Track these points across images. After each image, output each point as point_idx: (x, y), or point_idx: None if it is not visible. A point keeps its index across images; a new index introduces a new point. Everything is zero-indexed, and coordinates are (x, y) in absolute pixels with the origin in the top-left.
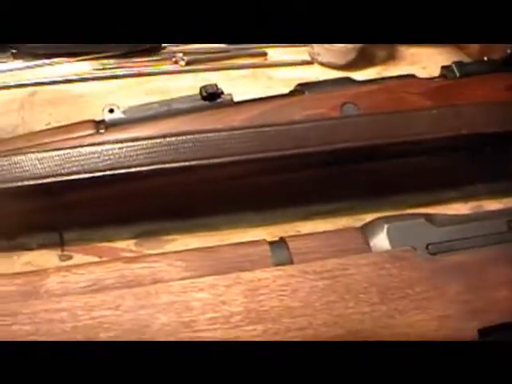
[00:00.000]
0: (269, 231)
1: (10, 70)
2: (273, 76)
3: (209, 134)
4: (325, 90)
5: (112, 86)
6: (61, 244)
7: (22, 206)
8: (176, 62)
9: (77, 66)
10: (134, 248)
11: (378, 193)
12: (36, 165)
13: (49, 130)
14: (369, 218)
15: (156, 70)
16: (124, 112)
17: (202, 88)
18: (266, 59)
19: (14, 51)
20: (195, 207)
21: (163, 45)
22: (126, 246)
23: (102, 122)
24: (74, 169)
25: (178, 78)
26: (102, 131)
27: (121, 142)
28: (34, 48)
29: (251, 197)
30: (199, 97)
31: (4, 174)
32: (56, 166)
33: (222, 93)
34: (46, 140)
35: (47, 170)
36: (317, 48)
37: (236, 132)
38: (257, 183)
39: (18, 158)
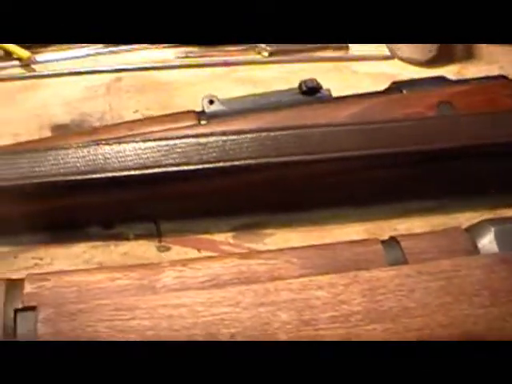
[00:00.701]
0: (365, 227)
1: (92, 55)
2: (356, 70)
3: (311, 130)
4: (421, 89)
5: (198, 75)
6: (158, 235)
7: (121, 196)
8: (259, 53)
9: (159, 53)
10: (232, 241)
11: (471, 192)
12: (140, 154)
13: (148, 119)
14: (463, 216)
15: (241, 60)
16: (223, 103)
17: (302, 82)
18: (347, 52)
19: None
20: (294, 201)
21: None
22: (225, 238)
23: (203, 113)
24: (179, 160)
25: (262, 68)
26: (203, 122)
27: (225, 134)
28: None
29: (349, 193)
30: (298, 91)
31: (109, 162)
32: (161, 156)
33: (321, 87)
34: (147, 129)
35: (151, 160)
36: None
37: (337, 128)
38: (355, 179)
39: (121, 146)
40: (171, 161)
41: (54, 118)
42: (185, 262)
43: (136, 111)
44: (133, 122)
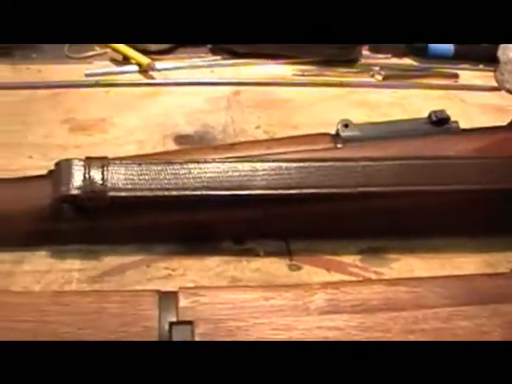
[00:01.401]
0: (483, 258)
1: (210, 66)
2: (464, 99)
3: (442, 161)
4: None
5: (314, 94)
6: (288, 253)
7: (255, 213)
8: (372, 76)
9: (276, 69)
10: (359, 264)
11: None
12: (280, 174)
13: (285, 138)
14: None
15: (355, 82)
16: (357, 128)
17: (432, 113)
18: (456, 81)
19: (210, 46)
20: (418, 228)
21: (359, 57)
22: (352, 261)
23: (338, 136)
24: (318, 183)
25: (376, 92)
26: (339, 146)
27: (364, 160)
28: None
29: (468, 223)
30: (427, 120)
31: (248, 180)
32: (300, 177)
33: (450, 119)
34: (285, 149)
35: (288, 181)
36: (506, 75)
37: (466, 161)
38: (476, 211)
39: (260, 165)
40: (310, 183)
41: (177, 127)
42: (335, 286)
43: (258, 127)
44: (270, 140)
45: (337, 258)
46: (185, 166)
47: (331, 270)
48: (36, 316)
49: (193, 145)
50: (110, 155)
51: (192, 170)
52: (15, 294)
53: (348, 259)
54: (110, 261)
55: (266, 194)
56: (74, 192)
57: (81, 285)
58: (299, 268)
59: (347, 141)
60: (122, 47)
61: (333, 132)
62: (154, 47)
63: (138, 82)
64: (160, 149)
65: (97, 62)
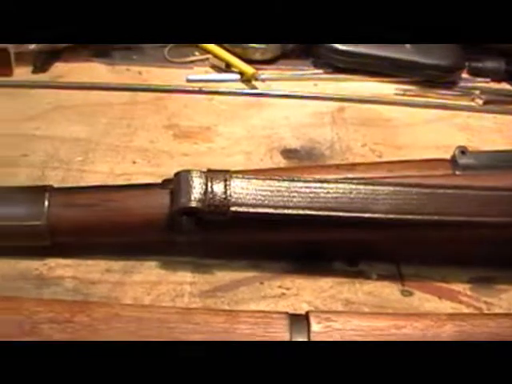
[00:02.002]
0: None
1: (313, 80)
2: None
3: None
4: None
5: (416, 115)
6: (400, 277)
7: (369, 235)
8: (473, 100)
9: (377, 87)
10: (469, 292)
11: None
12: (396, 198)
13: (405, 162)
14: None
15: (456, 105)
16: (473, 155)
17: None
18: None
19: (314, 59)
20: None
21: (459, 80)
22: (462, 289)
23: (456, 163)
24: (436, 209)
25: (477, 117)
26: (457, 173)
27: (480, 189)
28: (333, 59)
29: None
30: None
31: (364, 202)
32: (418, 203)
33: None
34: (405, 173)
35: (407, 206)
36: None
37: None
38: None
39: (379, 188)
40: (429, 209)
41: (283, 141)
42: (462, 317)
43: (364, 145)
44: (390, 163)
45: (447, 286)
46: (307, 185)
47: (442, 298)
48: (163, 332)
49: (300, 159)
50: (217, 165)
51: (314, 189)
52: (142, 307)
53: (458, 287)
54: (223, 276)
55: (385, 218)
56: (195, 204)
57: (193, 299)
58: (411, 293)
59: (465, 168)
60: (225, 54)
61: (445, 156)
62: (256, 56)
63: (243, 91)
64: (267, 161)
65: (197, 68)
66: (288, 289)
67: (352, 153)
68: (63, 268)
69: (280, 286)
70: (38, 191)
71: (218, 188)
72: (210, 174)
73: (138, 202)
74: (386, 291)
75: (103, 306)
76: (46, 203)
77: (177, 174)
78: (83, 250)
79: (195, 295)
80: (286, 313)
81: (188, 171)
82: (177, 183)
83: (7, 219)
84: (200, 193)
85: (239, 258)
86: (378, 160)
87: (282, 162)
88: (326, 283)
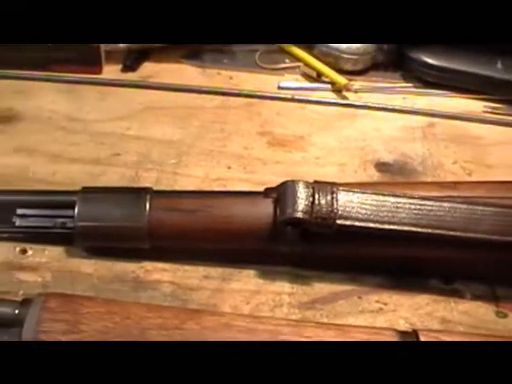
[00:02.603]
0: None
1: (403, 93)
2: None
3: None
4: None
5: (506, 133)
6: (494, 298)
7: (466, 255)
8: None
9: (466, 103)
10: None
11: None
12: (496, 220)
13: (506, 182)
14: None
15: None
16: None
17: None
18: None
19: (403, 72)
20: None
21: None
22: None
23: None
24: None
25: None
26: None
27: None
28: (423, 73)
29: None
30: None
31: (468, 222)
32: None
33: None
34: (504, 194)
35: (506, 228)
36: None
37: None
38: None
39: (481, 208)
40: None
41: (376, 154)
42: None
43: (455, 162)
44: (490, 183)
45: None
46: (411, 201)
47: None
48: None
49: (393, 174)
50: (311, 175)
51: (418, 206)
52: (252, 318)
53: None
54: (321, 288)
55: (487, 239)
56: (301, 216)
57: (292, 310)
58: (505, 315)
59: None
60: (316, 63)
61: None
62: (347, 66)
63: (337, 101)
64: (361, 174)
65: (288, 75)
66: (385, 304)
67: (443, 169)
68: (160, 272)
69: (378, 301)
70: (139, 193)
71: (325, 200)
72: (317, 186)
73: (242, 209)
74: (481, 311)
75: (213, 315)
76: (148, 206)
77: (283, 184)
78: (181, 255)
79: (294, 306)
80: (395, 329)
81: (294, 181)
82: (282, 193)
83: (107, 220)
84: (306, 204)
85: (336, 271)
86: (468, 178)
87: (375, 175)
88: (422, 300)
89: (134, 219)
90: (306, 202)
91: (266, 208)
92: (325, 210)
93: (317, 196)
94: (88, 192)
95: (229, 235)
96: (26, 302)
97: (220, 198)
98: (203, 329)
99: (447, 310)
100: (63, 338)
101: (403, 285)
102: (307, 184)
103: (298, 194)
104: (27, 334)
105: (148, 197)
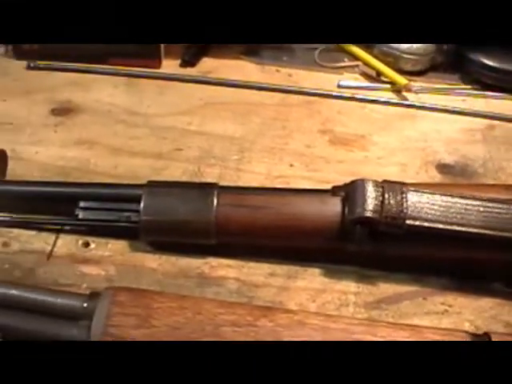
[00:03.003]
0: None
1: (462, 95)
2: None
3: None
4: None
5: None
6: None
7: None
8: None
9: None
10: None
11: None
12: None
13: None
14: None
15: None
16: None
17: None
18: None
19: (462, 74)
20: None
21: None
22: None
23: None
24: None
25: None
26: None
27: None
28: (482, 76)
29: None
30: None
31: None
32: None
33: None
34: None
35: None
36: None
37: None
38: None
39: None
40: None
41: (437, 155)
42: None
43: None
44: None
45: None
46: (480, 203)
47: None
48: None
49: (454, 175)
50: (373, 175)
51: (487, 208)
52: (325, 316)
53: None
54: (386, 288)
55: None
56: (371, 215)
57: (358, 309)
58: None
59: None
60: (376, 62)
61: None
62: (407, 67)
63: (396, 101)
64: (423, 175)
65: (347, 74)
66: (450, 306)
67: (505, 172)
68: (225, 268)
69: (443, 303)
70: (206, 188)
71: (395, 200)
72: (387, 185)
73: (310, 207)
74: None
75: (286, 312)
76: (215, 201)
77: (352, 183)
78: (247, 252)
79: (360, 306)
80: (466, 331)
81: (363, 180)
82: (351, 191)
83: (174, 215)
84: (376, 204)
85: (401, 271)
86: None
87: (436, 176)
88: (486, 303)
89: (202, 214)
90: (376, 202)
91: (334, 206)
92: (395, 209)
93: (386, 196)
94: (154, 186)
95: (296, 233)
96: (94, 296)
97: (288, 195)
98: (277, 326)
99: (511, 314)
100: (134, 333)
101: (467, 287)
102: (377, 183)
103: (368, 193)
104: (96, 328)
105: (215, 192)
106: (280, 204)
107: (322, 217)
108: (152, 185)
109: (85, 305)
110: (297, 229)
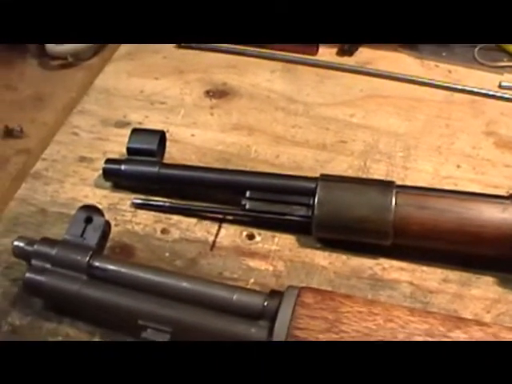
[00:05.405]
0: None
1: None
2: None
3: None
4: None
5: None
6: None
7: None
8: None
9: None
10: None
11: None
12: None
13: None
14: None
15: None
16: None
17: None
18: None
19: None
20: None
21: None
22: None
23: None
24: None
25: None
26: None
27: None
28: None
29: None
30: None
31: None
32: None
33: None
34: None
35: None
36: None
37: None
38: None
39: None
40: None
41: None
42: None
43: None
44: None
45: None
46: None
47: None
48: None
49: None
50: None
51: None
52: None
53: None
54: None
55: None
56: None
57: None
58: None
59: None
60: None
61: None
62: None
63: None
64: None
65: (507, 75)
66: None
67: None
68: (398, 271)
69: None
70: (384, 186)
71: None
72: None
73: (494, 213)
74: None
75: (479, 324)
76: (394, 200)
77: None
78: (419, 255)
79: None
80: None
81: None
82: None
83: (350, 211)
84: None
85: None
86: None
87: None
88: None
89: (380, 213)
90: None
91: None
92: None
93: None
94: (328, 180)
95: (478, 239)
96: (275, 294)
97: (469, 199)
98: (471, 338)
99: None
100: (321, 337)
101: None
102: None
103: None
104: (280, 330)
105: (394, 191)
106: (463, 208)
107: (505, 224)
108: (326, 178)
109: (265, 303)
110: (478, 235)
